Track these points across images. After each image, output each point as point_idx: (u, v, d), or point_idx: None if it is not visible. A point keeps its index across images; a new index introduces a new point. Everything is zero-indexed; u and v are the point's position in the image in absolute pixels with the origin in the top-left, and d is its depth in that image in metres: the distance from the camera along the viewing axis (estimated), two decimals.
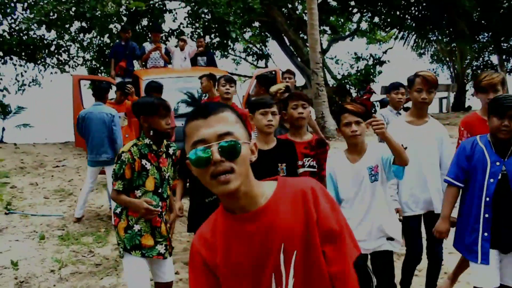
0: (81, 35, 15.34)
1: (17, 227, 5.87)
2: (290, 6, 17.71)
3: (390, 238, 3.11)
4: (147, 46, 9.79)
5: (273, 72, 9.84)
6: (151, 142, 3.07)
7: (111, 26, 14.34)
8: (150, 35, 11.55)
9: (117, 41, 10.61)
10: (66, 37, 15.29)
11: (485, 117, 3.33)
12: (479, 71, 24.79)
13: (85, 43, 16.33)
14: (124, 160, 2.97)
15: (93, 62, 16.57)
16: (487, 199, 2.89)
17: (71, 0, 11.62)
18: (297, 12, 17.88)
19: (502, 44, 20.39)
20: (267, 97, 3.51)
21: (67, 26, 13.25)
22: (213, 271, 1.45)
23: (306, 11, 11.70)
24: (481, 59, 25.20)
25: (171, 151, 3.23)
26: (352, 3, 18.51)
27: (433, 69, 28.46)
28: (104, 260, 4.94)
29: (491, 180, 2.89)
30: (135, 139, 3.14)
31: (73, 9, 12.12)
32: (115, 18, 13.82)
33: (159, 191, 3.09)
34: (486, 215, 2.90)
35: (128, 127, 6.34)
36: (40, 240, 5.44)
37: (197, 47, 10.17)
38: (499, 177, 2.86)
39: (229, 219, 1.43)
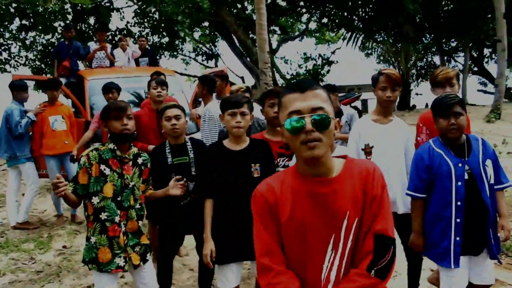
0: (23, 33, 14.74)
1: None
2: (239, 6, 17.73)
3: None
4: (92, 45, 9.47)
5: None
6: (115, 147, 2.92)
7: (56, 24, 13.89)
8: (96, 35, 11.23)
9: (61, 40, 10.24)
10: (7, 35, 14.68)
11: None
12: (422, 71, 25.80)
13: (28, 42, 15.73)
14: (80, 164, 2.85)
15: (37, 62, 15.99)
16: (459, 203, 2.83)
17: None
18: (247, 12, 17.92)
19: (443, 45, 21.25)
20: (239, 95, 3.23)
21: (6, 23, 12.67)
22: (276, 216, 1.64)
23: (255, 11, 11.73)
24: (424, 59, 26.24)
25: (140, 161, 3.05)
26: (301, 3, 18.73)
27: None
28: (46, 267, 4.74)
29: (459, 183, 2.83)
30: (99, 144, 2.99)
31: (13, 5, 11.66)
32: (59, 16, 13.39)
33: (118, 198, 2.88)
34: (458, 220, 2.85)
35: (69, 131, 6.09)
36: None
37: (139, 46, 10.01)
38: (466, 178, 2.81)
39: (303, 180, 1.62)
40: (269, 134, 3.34)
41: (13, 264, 4.81)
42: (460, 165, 2.83)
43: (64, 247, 5.27)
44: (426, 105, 19.41)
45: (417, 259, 3.46)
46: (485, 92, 24.56)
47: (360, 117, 11.30)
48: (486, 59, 24.08)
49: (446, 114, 2.80)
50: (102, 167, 2.86)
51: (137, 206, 3.00)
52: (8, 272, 4.60)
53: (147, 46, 10.16)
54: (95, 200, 2.84)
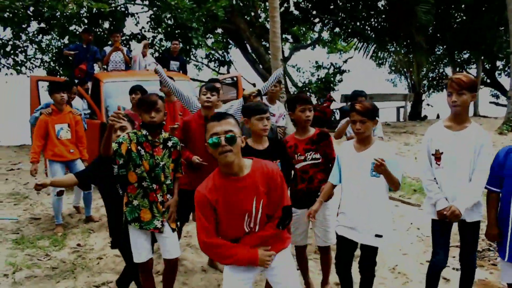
0: (40, 36, 14.92)
1: None
2: (253, 14, 17.84)
3: (378, 235, 3.27)
4: (108, 49, 9.67)
5: (235, 78, 9.96)
6: (147, 133, 3.54)
7: (71, 28, 14.04)
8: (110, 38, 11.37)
9: (78, 43, 10.39)
10: (23, 37, 14.86)
11: None
12: (434, 83, 25.73)
13: (43, 45, 15.91)
14: (119, 141, 3.43)
15: (52, 64, 16.16)
16: None
17: None
18: (260, 20, 18.02)
19: (455, 57, 21.21)
20: (263, 104, 3.88)
21: (24, 25, 12.83)
22: (213, 207, 2.56)
23: (268, 19, 11.80)
24: (436, 71, 26.16)
25: (169, 144, 3.64)
26: (314, 12, 18.79)
27: (392, 79, 29.34)
28: (61, 264, 4.82)
29: None
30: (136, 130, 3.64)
31: (31, 9, 11.83)
32: (75, 20, 13.54)
33: (152, 174, 3.51)
34: None
35: (73, 141, 5.93)
36: None
37: (172, 50, 10.28)
38: None
39: (226, 179, 2.57)
40: (298, 134, 3.90)
41: (29, 259, 4.90)
42: None
43: (78, 245, 5.35)
44: (438, 116, 19.31)
45: (471, 267, 3.49)
46: (497, 104, 24.39)
47: None
48: (498, 71, 23.96)
49: None
50: (139, 147, 3.49)
51: (168, 182, 3.62)
52: (25, 267, 4.69)
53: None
54: (139, 170, 3.48)
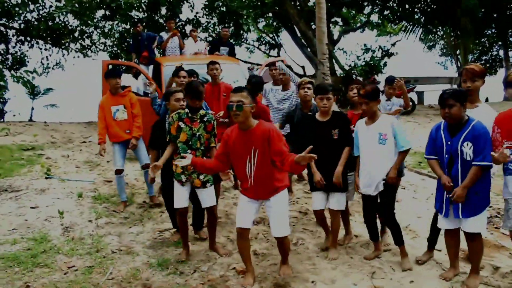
0: (104, 22, 16.24)
1: (57, 188, 6.88)
2: None
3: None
4: (164, 35, 10.74)
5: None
6: (188, 112, 4.56)
7: (132, 13, 15.27)
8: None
9: (134, 32, 11.58)
10: (89, 23, 16.23)
11: None
12: (487, 65, 25.35)
13: (106, 30, 17.26)
14: (170, 122, 4.59)
15: (114, 48, 17.48)
16: (446, 169, 3.82)
17: None
18: (308, 4, 18.60)
19: (508, 39, 20.90)
20: (325, 84, 4.75)
21: (93, 15, 14.14)
22: (228, 144, 3.84)
23: (315, 4, 12.44)
24: (489, 53, 25.71)
25: (205, 119, 4.58)
26: None
27: (442, 62, 29.11)
28: (132, 215, 5.96)
29: (446, 155, 3.80)
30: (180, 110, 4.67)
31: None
32: (135, 7, 14.74)
33: (189, 143, 4.53)
34: None
35: (130, 121, 6.26)
36: (78, 197, 6.47)
37: (222, 37, 11.14)
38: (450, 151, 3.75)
39: (239, 131, 3.79)
40: (355, 110, 4.98)
41: (106, 211, 6.06)
42: (449, 142, 3.77)
43: (144, 202, 6.45)
44: (486, 100, 19.29)
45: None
46: None
47: (414, 108, 12.24)
48: None
49: (443, 105, 3.69)
50: (180, 123, 4.53)
51: (202, 148, 4.59)
52: (104, 216, 5.86)
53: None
54: (178, 143, 4.53)
